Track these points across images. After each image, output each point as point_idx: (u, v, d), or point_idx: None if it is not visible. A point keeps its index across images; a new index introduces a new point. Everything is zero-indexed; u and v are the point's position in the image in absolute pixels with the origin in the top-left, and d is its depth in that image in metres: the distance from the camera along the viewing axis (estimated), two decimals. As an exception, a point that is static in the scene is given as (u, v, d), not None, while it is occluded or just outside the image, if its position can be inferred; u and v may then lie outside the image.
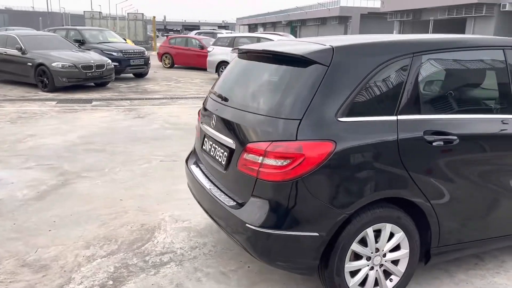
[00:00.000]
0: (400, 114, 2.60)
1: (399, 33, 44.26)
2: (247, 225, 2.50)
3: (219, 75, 15.24)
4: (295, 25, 70.97)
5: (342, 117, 2.46)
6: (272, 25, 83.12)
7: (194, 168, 3.43)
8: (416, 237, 2.72)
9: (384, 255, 2.69)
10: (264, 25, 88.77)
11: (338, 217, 2.45)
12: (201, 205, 3.26)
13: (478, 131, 2.80)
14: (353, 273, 2.65)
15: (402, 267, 2.75)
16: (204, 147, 3.27)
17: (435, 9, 38.16)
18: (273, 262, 2.58)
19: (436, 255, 2.83)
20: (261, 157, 2.48)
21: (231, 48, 14.93)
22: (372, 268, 2.69)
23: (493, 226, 2.99)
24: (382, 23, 49.83)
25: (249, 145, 2.57)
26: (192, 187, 3.39)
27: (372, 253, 2.65)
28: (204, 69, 16.77)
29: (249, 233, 2.51)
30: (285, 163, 2.39)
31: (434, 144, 2.62)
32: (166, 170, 5.43)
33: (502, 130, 2.87)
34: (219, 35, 17.91)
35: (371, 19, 51.89)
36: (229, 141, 2.80)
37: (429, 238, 2.76)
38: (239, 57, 3.32)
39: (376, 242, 2.65)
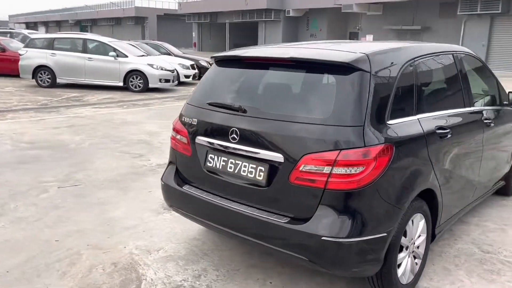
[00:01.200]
0: (417, 114, 2.92)
1: (198, 34, 46.04)
2: (323, 238, 2.44)
3: (38, 82, 13.41)
4: (85, 25, 66.66)
5: (388, 120, 2.62)
6: (56, 24, 76.14)
7: (194, 189, 3.10)
8: (430, 221, 3.08)
9: (413, 243, 2.97)
10: (46, 23, 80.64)
11: (400, 214, 2.62)
12: (219, 228, 2.99)
13: (459, 122, 3.34)
14: (399, 265, 2.86)
15: (422, 249, 3.07)
16: (211, 165, 2.99)
17: (230, 13, 40.93)
18: (348, 270, 2.58)
19: (438, 233, 3.25)
20: (329, 167, 2.44)
21: (50, 51, 13.34)
22: (408, 256, 2.93)
23: (470, 195, 3.69)
24: (180, 25, 50.94)
25: (307, 156, 2.50)
26: (199, 211, 3.07)
27: (409, 242, 2.89)
28: (10, 75, 14.53)
29: (325, 245, 2.45)
30: (358, 171, 2.42)
31: (441, 137, 3.02)
32: (76, 197, 4.67)
33: (471, 119, 3.50)
34: (33, 36, 15.63)
35: (169, 21, 52.47)
36: (271, 155, 2.65)
37: (435, 219, 3.16)
38: (236, 65, 3.14)
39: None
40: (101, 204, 4.50)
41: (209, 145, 3.00)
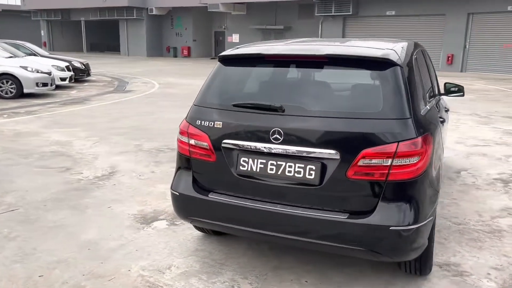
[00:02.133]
0: (427, 103, 3.20)
1: (48, 33, 41.98)
2: (392, 228, 2.54)
3: None
4: None
5: (421, 110, 2.83)
6: None
7: (224, 196, 2.93)
8: None
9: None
10: None
11: (438, 196, 2.86)
12: (260, 233, 2.87)
13: (439, 109, 3.75)
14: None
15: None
16: (245, 169, 2.85)
17: (86, 10, 38.20)
18: (407, 256, 2.70)
19: None
20: (389, 159, 2.55)
21: None
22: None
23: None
24: (25, 22, 45.78)
25: (366, 150, 2.56)
26: (233, 218, 2.91)
27: None
28: None
29: (393, 235, 2.55)
30: (415, 160, 2.58)
31: (441, 122, 3.37)
32: (23, 223, 4.01)
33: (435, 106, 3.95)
34: None
35: (10, 17, 46.67)
36: (324, 152, 2.64)
37: None
38: (252, 63, 3.04)
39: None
40: (62, 227, 3.93)
41: (241, 148, 2.85)
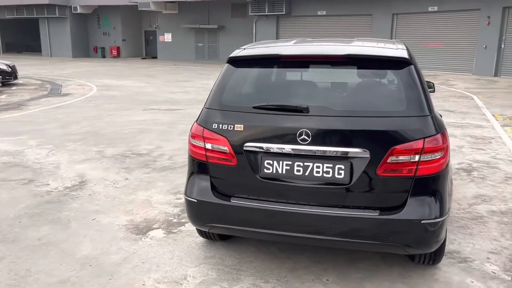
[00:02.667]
0: None
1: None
2: (423, 221, 2.64)
3: None
4: None
5: (434, 108, 2.97)
6: None
7: (247, 201, 2.88)
8: None
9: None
10: None
11: (452, 189, 3.01)
12: (289, 236, 2.85)
13: None
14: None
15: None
16: (269, 171, 2.82)
17: (1, 8, 35.41)
18: (434, 247, 2.81)
19: None
20: (417, 155, 2.65)
21: None
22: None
23: None
24: None
25: (395, 148, 2.64)
26: (259, 222, 2.87)
27: None
28: None
29: (424, 228, 2.65)
30: (439, 155, 2.70)
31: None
32: (3, 242, 3.66)
33: None
34: None
35: None
36: (354, 151, 2.68)
37: None
38: (265, 64, 3.01)
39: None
40: (50, 244, 3.64)
41: (264, 150, 2.82)
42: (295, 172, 2.78)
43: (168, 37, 31.62)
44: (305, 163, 2.76)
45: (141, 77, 18.79)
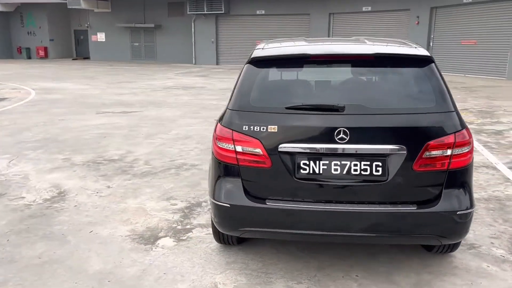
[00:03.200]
0: None
1: None
2: (459, 212, 2.76)
3: None
4: None
5: None
6: None
7: (283, 202, 2.85)
8: None
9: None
10: None
11: None
12: (327, 235, 2.86)
13: None
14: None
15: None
16: (306, 172, 2.81)
17: None
18: (464, 236, 2.93)
19: None
20: (450, 150, 2.77)
21: None
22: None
23: None
24: None
25: (430, 143, 2.74)
26: (296, 223, 2.85)
27: None
28: None
29: (459, 219, 2.78)
30: (467, 149, 2.84)
31: None
32: (2, 264, 3.34)
33: None
34: None
35: None
36: (391, 148, 2.74)
37: None
38: (290, 64, 3.00)
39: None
40: (53, 262, 3.38)
41: (301, 151, 2.80)
42: (333, 171, 2.79)
43: (101, 36, 30.33)
44: (343, 162, 2.79)
45: (79, 79, 17.88)
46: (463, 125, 2.84)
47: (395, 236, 2.84)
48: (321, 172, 2.80)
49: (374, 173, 2.77)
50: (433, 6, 20.59)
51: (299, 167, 2.81)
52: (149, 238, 3.75)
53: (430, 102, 2.85)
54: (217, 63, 27.32)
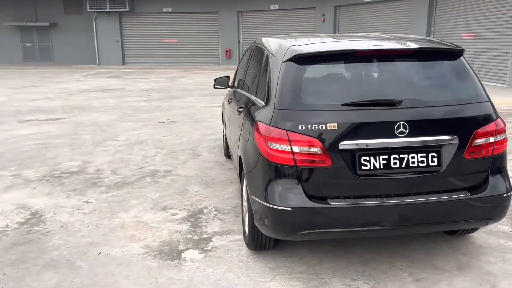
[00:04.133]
0: None
1: None
2: (505, 195, 2.96)
3: None
4: None
5: None
6: None
7: (346, 200, 2.81)
8: None
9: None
10: None
11: None
12: (388, 229, 2.89)
13: None
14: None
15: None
16: (367, 168, 2.80)
17: None
18: (503, 216, 3.11)
19: None
20: (493, 137, 2.96)
21: None
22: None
23: None
24: None
25: (477, 131, 2.90)
26: (358, 221, 2.85)
27: None
28: None
29: (505, 201, 2.96)
30: (504, 136, 3.05)
31: None
32: (16, 302, 2.86)
33: None
34: None
35: None
36: (444, 139, 2.84)
37: None
38: (335, 60, 2.98)
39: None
40: (75, 285, 2.96)
41: (361, 147, 2.79)
42: (392, 166, 2.82)
43: (-15, 36, 27.18)
44: (401, 155, 2.83)
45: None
46: (497, 114, 3.05)
47: (450, 222, 2.97)
48: (381, 167, 2.81)
49: (430, 164, 2.85)
50: (337, 5, 21.81)
51: (360, 164, 2.80)
52: (171, 253, 3.46)
53: (470, 92, 3.00)
54: (124, 63, 26.11)
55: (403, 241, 3.57)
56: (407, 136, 2.79)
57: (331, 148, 2.77)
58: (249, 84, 4.03)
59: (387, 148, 2.81)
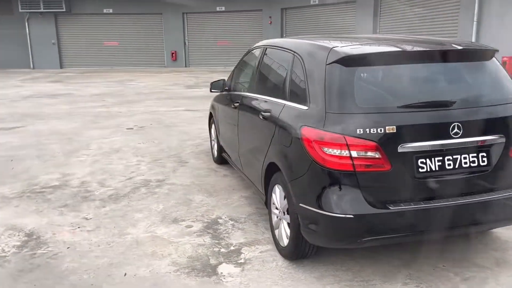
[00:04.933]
0: None
1: None
2: None
3: None
4: None
5: None
6: None
7: (405, 204, 2.76)
8: None
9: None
10: None
11: None
12: (450, 229, 2.88)
13: None
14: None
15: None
16: (424, 170, 2.77)
17: None
18: None
19: None
20: None
21: None
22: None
23: None
24: None
25: None
26: (418, 225, 2.81)
27: None
28: None
29: None
30: None
31: None
32: None
33: None
34: None
35: None
36: (493, 138, 2.88)
37: None
38: (389, 61, 2.93)
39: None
40: None
41: (419, 149, 2.76)
42: (447, 167, 2.81)
43: None
44: (454, 156, 2.83)
45: None
46: None
47: (500, 220, 3.02)
48: (437, 168, 2.80)
49: (481, 163, 2.88)
50: (283, 7, 22.04)
51: (418, 167, 2.76)
52: (205, 269, 3.24)
53: (510, 91, 3.07)
54: (62, 67, 24.69)
55: (432, 242, 3.59)
56: (460, 137, 2.80)
57: (390, 151, 2.71)
58: (269, 88, 3.88)
59: (442, 149, 2.80)
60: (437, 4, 14.46)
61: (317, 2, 20.34)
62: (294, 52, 3.43)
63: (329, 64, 2.91)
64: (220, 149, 5.56)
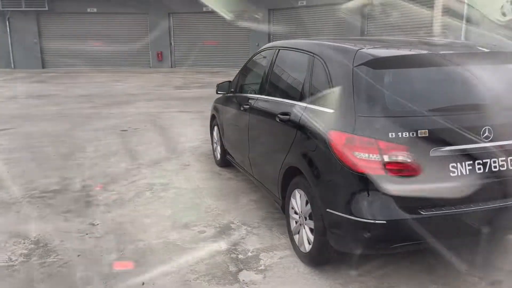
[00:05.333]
0: None
1: None
2: None
3: None
4: None
5: None
6: None
7: (437, 209, 2.72)
8: None
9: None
10: None
11: None
12: (479, 234, 2.84)
13: None
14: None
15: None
16: (454, 175, 2.73)
17: None
18: None
19: None
20: None
21: None
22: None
23: None
24: None
25: None
26: (453, 227, 2.79)
27: None
28: None
29: None
30: None
31: None
32: None
33: None
34: None
35: None
36: None
37: None
38: (419, 62, 2.90)
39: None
40: None
41: (450, 154, 2.72)
42: (477, 171, 2.78)
43: None
44: (484, 160, 2.80)
45: None
46: None
47: None
48: (467, 172, 2.76)
49: (510, 167, 2.86)
50: (271, 8, 22.01)
51: (448, 171, 2.72)
52: (225, 276, 3.15)
53: None
54: (44, 67, 24.18)
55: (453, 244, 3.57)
56: (491, 141, 2.77)
57: (422, 155, 2.67)
58: (285, 90, 3.81)
59: (472, 153, 2.77)
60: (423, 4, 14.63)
61: (304, 4, 20.38)
62: (314, 53, 3.36)
63: (356, 66, 2.86)
64: (224, 151, 5.46)
